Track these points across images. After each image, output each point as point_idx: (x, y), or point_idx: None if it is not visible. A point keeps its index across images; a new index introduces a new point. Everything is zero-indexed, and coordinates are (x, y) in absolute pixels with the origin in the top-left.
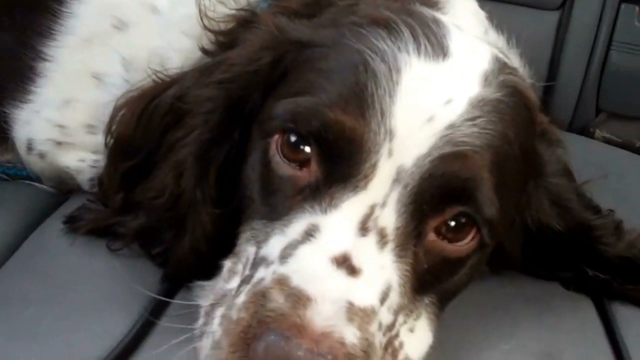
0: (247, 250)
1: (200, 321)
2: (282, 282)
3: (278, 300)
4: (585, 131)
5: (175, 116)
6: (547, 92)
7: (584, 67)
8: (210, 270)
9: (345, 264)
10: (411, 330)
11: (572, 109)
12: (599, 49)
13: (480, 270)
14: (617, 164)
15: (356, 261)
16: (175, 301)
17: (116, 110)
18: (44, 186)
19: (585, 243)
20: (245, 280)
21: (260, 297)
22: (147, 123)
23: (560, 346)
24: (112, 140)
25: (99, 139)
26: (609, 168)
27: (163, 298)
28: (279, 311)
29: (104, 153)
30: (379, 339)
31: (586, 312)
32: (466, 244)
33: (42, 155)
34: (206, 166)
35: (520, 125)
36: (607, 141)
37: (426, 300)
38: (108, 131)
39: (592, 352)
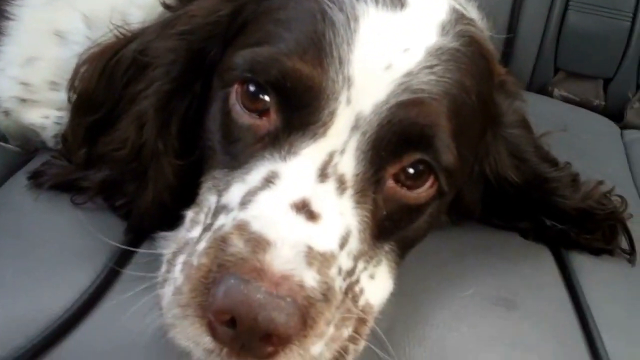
0: (209, 199)
1: (163, 269)
2: (241, 227)
3: (238, 245)
4: (544, 90)
5: (137, 70)
6: (506, 52)
7: (542, 26)
8: (173, 221)
9: (305, 209)
10: (371, 276)
11: (530, 68)
12: (557, 9)
13: (439, 220)
14: (575, 121)
15: (315, 207)
16: (139, 250)
17: (79, 66)
18: (10, 145)
19: (542, 195)
20: (206, 228)
21: (220, 242)
22: (109, 78)
23: (518, 292)
24: (75, 96)
25: (62, 96)
26: (568, 125)
27: (127, 247)
28: (239, 255)
29: (68, 109)
30: (339, 284)
31: (544, 261)
32: (424, 191)
33: (6, 113)
34: (168, 117)
35: (477, 75)
36: (566, 100)
37: (386, 247)
38: (71, 87)
39: (550, 297)
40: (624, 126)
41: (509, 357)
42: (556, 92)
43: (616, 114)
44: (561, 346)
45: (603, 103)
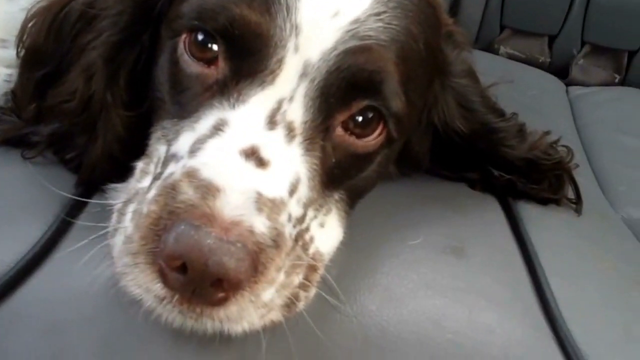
0: (158, 149)
1: (113, 219)
2: (191, 174)
3: (188, 192)
4: (490, 48)
5: (85, 22)
6: (453, 11)
7: None
8: (124, 173)
9: (254, 156)
10: (322, 225)
11: (477, 26)
12: None
13: (388, 170)
14: (521, 78)
15: (264, 154)
16: (90, 201)
17: (27, 21)
18: None
19: (489, 145)
20: (156, 178)
21: (170, 190)
22: (57, 31)
23: (467, 240)
24: (23, 51)
25: (11, 53)
26: (514, 82)
27: (77, 198)
28: (189, 202)
29: (17, 67)
30: (289, 231)
31: (492, 210)
32: (374, 139)
33: None
34: (116, 69)
35: (424, 23)
36: (511, 57)
37: (336, 196)
38: (19, 43)
39: (498, 245)
40: (569, 82)
41: (458, 302)
42: (502, 49)
43: (561, 71)
44: (510, 291)
45: (548, 60)
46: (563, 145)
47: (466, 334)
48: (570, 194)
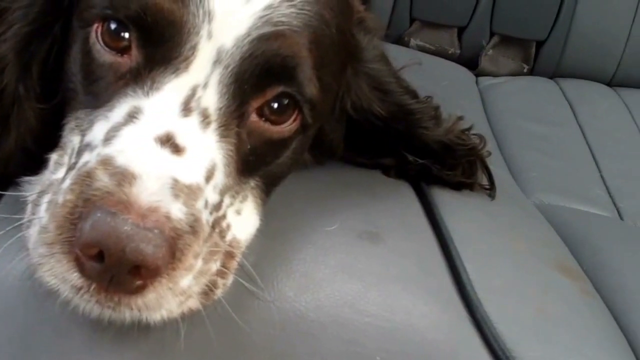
0: (72, 140)
1: (28, 210)
2: (106, 162)
3: (103, 179)
4: (400, 40)
5: None
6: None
7: None
8: (39, 166)
9: (169, 142)
10: (238, 212)
11: (387, 18)
12: None
13: (303, 157)
14: (432, 69)
15: (180, 140)
16: (3, 193)
17: None
18: None
19: (406, 127)
20: (70, 168)
21: (85, 178)
22: None
23: (383, 225)
24: None
25: None
26: (425, 74)
27: None
28: (105, 189)
29: None
30: (206, 217)
31: (406, 196)
32: (288, 125)
33: None
34: (28, 60)
35: (336, 8)
36: (422, 49)
37: (252, 183)
38: None
39: (414, 230)
40: (478, 73)
41: (374, 286)
42: (412, 41)
43: (471, 62)
44: (426, 276)
45: (458, 51)
46: (475, 134)
47: (383, 317)
48: (484, 181)
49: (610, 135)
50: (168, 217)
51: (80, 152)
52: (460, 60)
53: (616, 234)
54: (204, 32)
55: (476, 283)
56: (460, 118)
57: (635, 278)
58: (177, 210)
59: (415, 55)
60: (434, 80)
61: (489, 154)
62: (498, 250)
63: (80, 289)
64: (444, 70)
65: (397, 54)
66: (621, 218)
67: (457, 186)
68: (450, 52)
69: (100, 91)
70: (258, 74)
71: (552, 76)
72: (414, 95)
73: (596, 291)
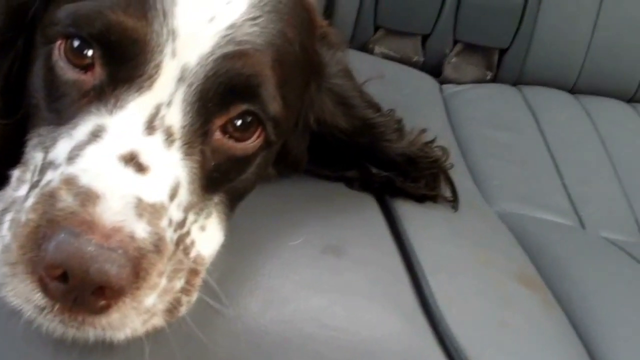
0: (35, 157)
1: None
2: (70, 181)
3: (67, 199)
4: (365, 48)
5: None
6: (327, 10)
7: None
8: (0, 183)
9: (133, 161)
10: (202, 228)
11: (351, 26)
12: None
13: (267, 172)
14: (396, 77)
15: (144, 159)
16: None
17: None
18: None
19: (370, 140)
20: (33, 186)
21: (48, 197)
22: None
23: (346, 240)
24: None
25: None
26: (389, 81)
27: None
28: (68, 209)
29: None
30: (170, 235)
31: (370, 209)
32: (252, 142)
33: None
34: None
35: (299, 26)
36: (386, 57)
37: (216, 199)
38: None
39: (376, 243)
40: (442, 81)
41: (338, 302)
42: (377, 49)
43: (435, 69)
44: (389, 289)
45: (422, 59)
46: (438, 146)
47: (348, 331)
48: (447, 193)
49: (572, 143)
50: (132, 237)
51: (43, 170)
52: (424, 67)
53: (577, 244)
54: (168, 51)
55: (438, 295)
56: (424, 131)
57: (595, 288)
58: (141, 230)
59: (379, 63)
60: (397, 87)
61: (452, 165)
62: (460, 262)
63: (43, 308)
64: (408, 78)
65: (361, 62)
66: (583, 226)
67: (420, 198)
68: (414, 59)
69: (63, 108)
70: (222, 92)
71: (515, 83)
72: (377, 109)
73: (556, 301)
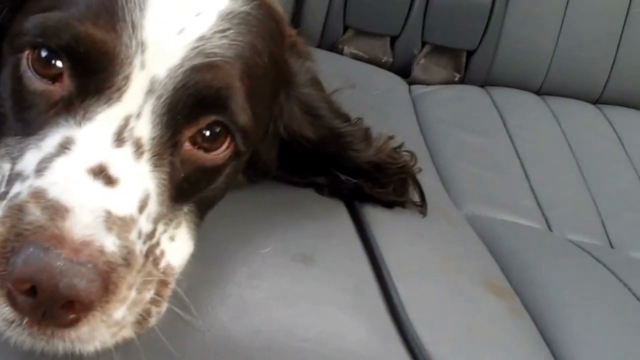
0: (2, 167)
1: None
2: (38, 195)
3: (35, 213)
4: (334, 48)
5: None
6: (296, 11)
7: None
8: None
9: (102, 174)
10: (172, 238)
11: (320, 27)
12: None
13: (237, 180)
14: (365, 78)
15: (113, 171)
16: None
17: None
18: None
19: (337, 149)
20: (1, 197)
21: (16, 211)
22: None
23: (316, 247)
24: None
25: None
26: (358, 82)
27: None
28: (37, 223)
29: None
30: (140, 247)
31: (339, 215)
32: (222, 152)
33: None
34: None
35: (268, 37)
36: (355, 57)
37: (185, 209)
38: None
39: (346, 250)
40: (411, 82)
41: (308, 311)
42: (346, 49)
43: (404, 70)
44: (358, 298)
45: (391, 60)
46: (406, 151)
47: (318, 342)
48: (415, 197)
49: (539, 145)
50: (101, 251)
51: (10, 181)
52: (393, 68)
53: (544, 247)
54: (137, 63)
55: (407, 303)
56: (391, 137)
57: (561, 292)
58: (110, 244)
59: (348, 64)
60: (367, 88)
61: (420, 170)
62: (429, 269)
63: (12, 322)
64: (377, 79)
65: (331, 62)
66: (550, 229)
67: (389, 204)
68: (383, 60)
69: (31, 119)
70: (191, 104)
71: (482, 85)
72: (345, 118)
73: (524, 306)
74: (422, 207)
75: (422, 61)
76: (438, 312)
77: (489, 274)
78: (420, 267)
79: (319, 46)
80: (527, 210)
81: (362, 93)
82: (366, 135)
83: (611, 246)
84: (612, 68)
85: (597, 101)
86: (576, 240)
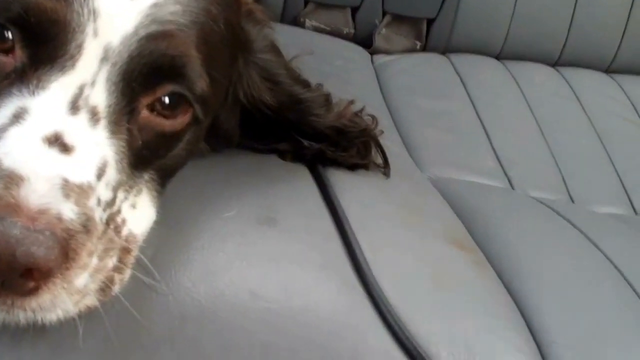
0: None
1: None
2: None
3: None
4: (296, 22)
5: None
6: None
7: None
8: None
9: (58, 142)
10: (133, 206)
11: (281, 1)
12: None
13: (198, 147)
14: (327, 50)
15: (68, 139)
16: None
17: None
18: None
19: (297, 115)
20: None
21: None
22: None
23: (280, 209)
24: None
25: None
26: (321, 53)
27: None
28: None
29: None
30: (99, 215)
31: (303, 179)
32: (180, 119)
33: None
34: None
35: (223, 3)
36: (317, 29)
37: (146, 176)
38: None
39: (309, 212)
40: (373, 51)
41: (273, 271)
42: (308, 23)
43: (366, 41)
44: (323, 257)
45: (352, 31)
46: (368, 114)
47: (283, 301)
48: (378, 160)
49: (499, 107)
50: (59, 218)
51: None
52: (356, 39)
53: (507, 204)
54: (89, 30)
55: (371, 261)
56: (352, 102)
57: (523, 245)
58: (68, 211)
59: (311, 37)
60: (330, 59)
61: (382, 132)
62: (392, 227)
63: None
64: (340, 50)
65: (293, 36)
66: (512, 187)
67: (352, 167)
68: (345, 32)
69: None
70: (147, 72)
71: (443, 52)
72: (305, 84)
73: (488, 260)
74: (384, 168)
75: (384, 31)
76: (402, 268)
77: (452, 230)
78: (384, 224)
79: (282, 21)
80: (489, 170)
81: (325, 64)
82: (326, 100)
83: (572, 201)
84: (569, 31)
85: (555, 63)
86: (538, 197)
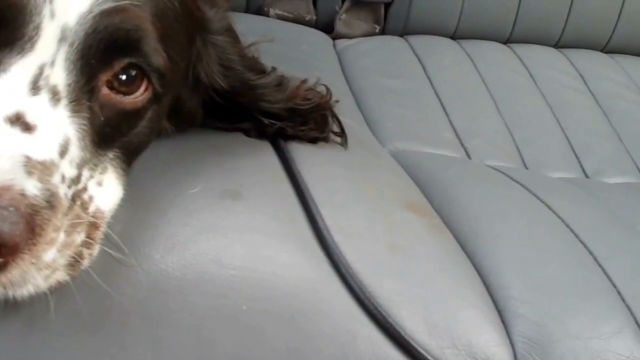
0: None
1: None
2: None
3: None
4: (260, 11)
5: None
6: None
7: None
8: None
9: (19, 121)
10: (99, 184)
11: None
12: None
13: (161, 125)
14: (291, 36)
15: (30, 118)
16: None
17: None
18: None
19: (249, 100)
20: None
21: None
22: None
23: (243, 184)
24: None
25: None
26: (285, 40)
27: None
28: None
29: None
30: (64, 191)
31: (266, 154)
32: (140, 94)
33: None
34: None
35: None
36: (281, 17)
37: (110, 154)
38: None
39: (272, 185)
40: (335, 36)
41: (238, 240)
42: (271, 11)
43: (327, 27)
44: (285, 226)
45: (314, 18)
46: (322, 84)
47: (248, 268)
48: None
49: (456, 84)
50: (23, 194)
51: None
52: (318, 25)
53: (463, 172)
54: (46, 12)
55: (332, 227)
56: (304, 81)
57: (480, 209)
58: (31, 187)
59: (275, 25)
60: (293, 46)
61: (337, 102)
62: (352, 195)
63: None
64: (302, 36)
65: (258, 25)
66: (469, 157)
67: (312, 140)
68: (307, 18)
69: None
70: (103, 48)
71: (401, 34)
72: (258, 71)
73: (446, 224)
74: (342, 137)
75: (344, 16)
76: (361, 233)
77: (410, 197)
78: (343, 194)
79: (247, 11)
80: (447, 142)
81: (289, 51)
82: (279, 84)
83: (526, 168)
84: (518, 8)
85: (507, 41)
86: (494, 165)
